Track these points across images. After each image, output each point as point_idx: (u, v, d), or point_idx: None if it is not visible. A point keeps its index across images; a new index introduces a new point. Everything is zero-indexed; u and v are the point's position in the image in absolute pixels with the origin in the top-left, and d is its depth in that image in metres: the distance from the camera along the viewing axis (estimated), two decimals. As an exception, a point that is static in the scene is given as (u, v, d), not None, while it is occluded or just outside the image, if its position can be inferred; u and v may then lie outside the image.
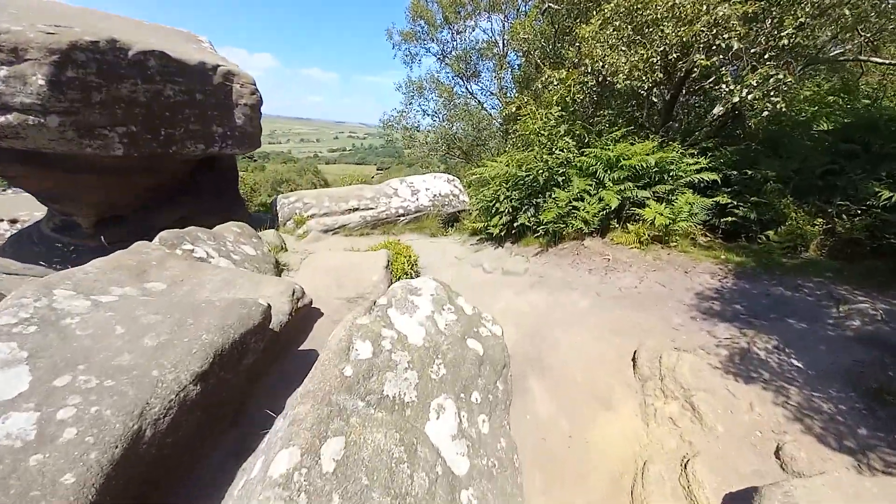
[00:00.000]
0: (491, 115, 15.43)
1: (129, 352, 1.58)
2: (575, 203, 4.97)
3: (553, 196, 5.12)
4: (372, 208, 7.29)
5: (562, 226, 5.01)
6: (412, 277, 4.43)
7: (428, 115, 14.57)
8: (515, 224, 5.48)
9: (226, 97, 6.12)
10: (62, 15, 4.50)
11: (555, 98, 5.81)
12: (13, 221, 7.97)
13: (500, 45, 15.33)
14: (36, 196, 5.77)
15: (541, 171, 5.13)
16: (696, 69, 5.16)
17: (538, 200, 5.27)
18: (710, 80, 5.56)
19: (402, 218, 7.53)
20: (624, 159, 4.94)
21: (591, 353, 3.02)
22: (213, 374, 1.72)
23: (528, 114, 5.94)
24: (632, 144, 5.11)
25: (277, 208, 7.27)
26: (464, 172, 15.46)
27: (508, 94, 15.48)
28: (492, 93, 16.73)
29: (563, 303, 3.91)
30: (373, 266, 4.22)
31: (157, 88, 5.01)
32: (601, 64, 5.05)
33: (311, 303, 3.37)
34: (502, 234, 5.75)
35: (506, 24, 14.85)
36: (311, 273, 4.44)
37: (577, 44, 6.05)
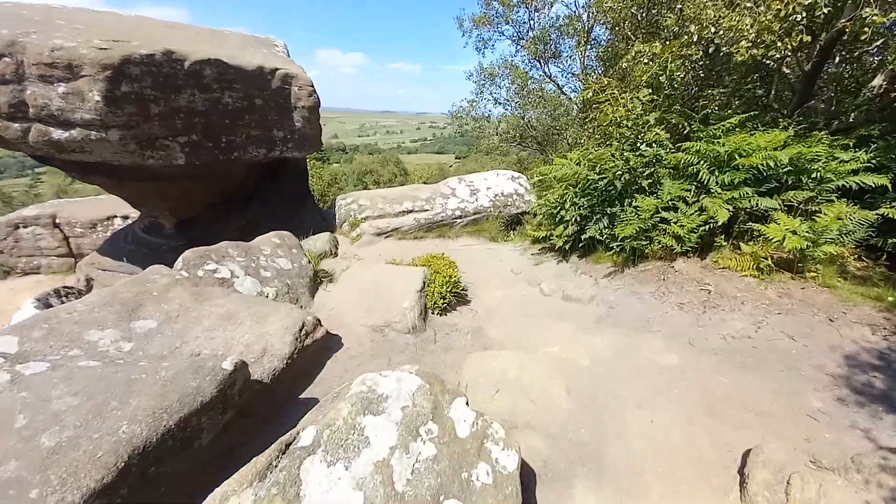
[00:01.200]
0: (571, 99, 13.90)
1: (18, 457, 1.25)
2: (664, 214, 3.85)
3: (635, 204, 4.05)
4: (427, 210, 6.79)
5: (644, 242, 3.94)
6: (450, 303, 3.82)
7: (500, 103, 13.60)
8: (583, 237, 4.52)
9: (284, 100, 6.03)
10: (122, 29, 4.65)
11: (644, 78, 4.63)
12: (125, 217, 9.10)
13: (585, 18, 13.63)
14: (124, 200, 6.32)
15: (619, 174, 4.08)
16: (859, 29, 3.61)
17: (614, 209, 4.23)
18: (877, 42, 3.91)
19: (458, 220, 6.91)
20: (741, 156, 3.67)
21: (676, 446, 2.12)
22: (127, 481, 1.32)
23: (609, 99, 4.83)
24: (752, 134, 3.79)
25: (336, 209, 7.16)
26: (535, 165, 14.27)
27: (593, 75, 13.78)
28: (573, 74, 15.10)
29: (638, 353, 2.97)
30: (406, 287, 3.70)
31: (215, 97, 5.01)
32: (713, 29, 3.78)
33: (326, 334, 2.95)
34: (567, 246, 4.82)
35: (593, -5, 13.10)
36: (344, 290, 4.08)
37: (679, 7, 4.74)
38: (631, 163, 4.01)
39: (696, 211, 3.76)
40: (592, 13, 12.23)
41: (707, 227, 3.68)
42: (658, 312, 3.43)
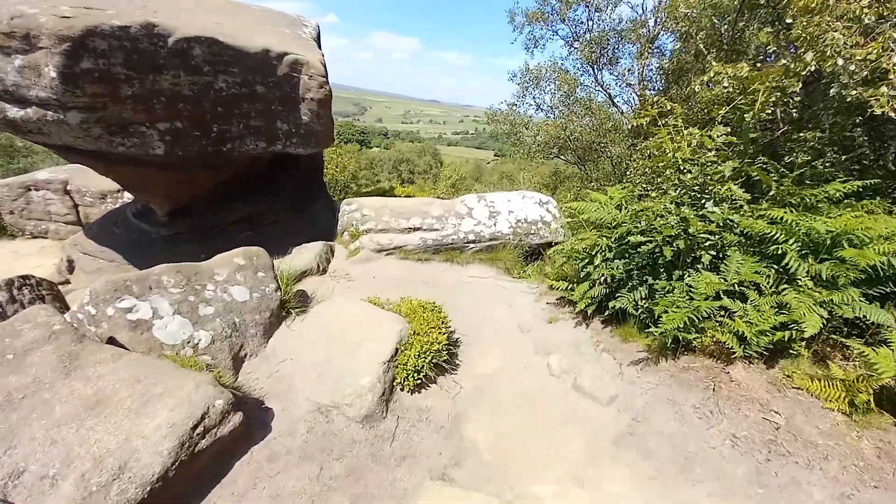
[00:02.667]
0: (622, 113, 12.58)
1: None
2: (726, 301, 2.87)
3: (688, 280, 3.07)
4: (437, 229, 5.98)
5: (692, 333, 2.98)
6: (427, 376, 2.97)
7: (542, 109, 12.48)
8: (611, 304, 3.57)
9: (292, 90, 5.35)
10: None
11: (720, 112, 3.59)
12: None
13: (651, 24, 12.23)
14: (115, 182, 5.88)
15: (672, 237, 3.10)
16: None
17: (657, 281, 3.26)
18: None
19: (472, 245, 6.07)
20: (851, 244, 2.64)
21: None
22: None
23: (669, 131, 3.82)
24: (870, 214, 2.74)
25: (339, 214, 6.48)
26: (573, 180, 13.05)
27: (652, 89, 12.42)
28: (629, 84, 13.73)
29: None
30: (372, 353, 2.93)
31: (205, 80, 4.38)
32: (839, 62, 2.72)
33: (242, 422, 2.23)
34: (589, 310, 3.90)
35: (664, -2, 11.69)
36: (309, 333, 3.36)
37: (782, 21, 3.64)
38: (690, 226, 3.02)
39: (772, 306, 2.76)
40: (661, 19, 10.87)
41: (786, 334, 2.67)
42: (703, 445, 2.49)
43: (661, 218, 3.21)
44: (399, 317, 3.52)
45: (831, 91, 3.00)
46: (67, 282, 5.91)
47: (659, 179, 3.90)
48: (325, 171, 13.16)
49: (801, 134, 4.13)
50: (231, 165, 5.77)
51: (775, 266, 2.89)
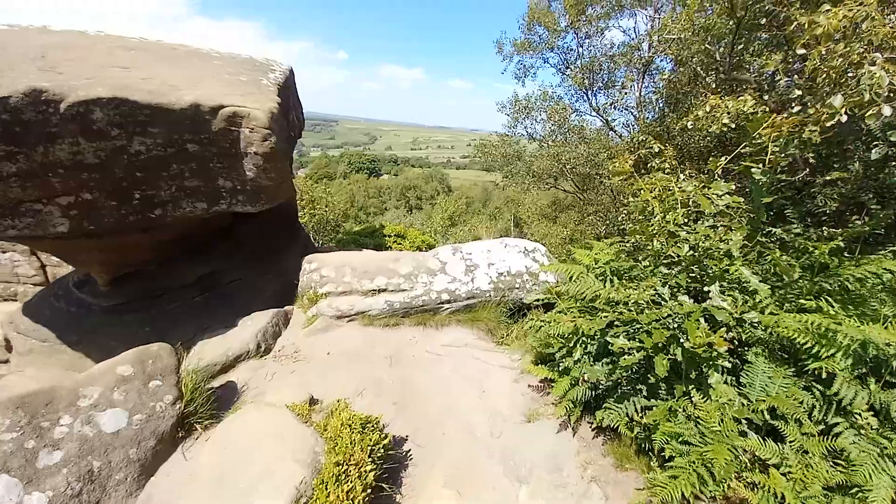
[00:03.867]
0: (621, 137, 11.85)
1: None
2: (753, 442, 1.98)
3: (696, 400, 2.20)
4: (405, 290, 5.20)
5: (709, 485, 2.07)
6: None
7: (535, 139, 11.84)
8: (598, 417, 2.69)
9: (231, 145, 4.77)
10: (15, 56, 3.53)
11: (719, 164, 2.79)
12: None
13: (645, 47, 11.64)
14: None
15: (666, 344, 2.24)
16: None
17: (652, 400, 2.39)
18: None
19: (447, 306, 5.26)
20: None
21: None
22: None
23: (655, 185, 3.02)
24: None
25: (301, 274, 5.78)
26: (572, 209, 12.23)
27: (651, 111, 11.70)
28: (626, 108, 13.07)
29: None
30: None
31: (116, 145, 3.80)
32: (884, 105, 1.91)
33: None
34: (572, 415, 3.02)
35: (656, 21, 11.16)
36: (196, 473, 2.56)
37: (792, 47, 2.88)
38: (689, 337, 2.16)
39: (823, 454, 1.86)
40: (654, 43, 10.27)
41: (846, 501, 1.76)
42: None
43: (651, 311, 2.37)
44: (319, 439, 2.71)
45: (873, 153, 2.19)
46: (7, 361, 5.29)
47: (648, 248, 3.07)
48: (314, 209, 12.67)
49: (828, 176, 3.27)
50: (173, 227, 5.15)
51: (819, 387, 2.00)
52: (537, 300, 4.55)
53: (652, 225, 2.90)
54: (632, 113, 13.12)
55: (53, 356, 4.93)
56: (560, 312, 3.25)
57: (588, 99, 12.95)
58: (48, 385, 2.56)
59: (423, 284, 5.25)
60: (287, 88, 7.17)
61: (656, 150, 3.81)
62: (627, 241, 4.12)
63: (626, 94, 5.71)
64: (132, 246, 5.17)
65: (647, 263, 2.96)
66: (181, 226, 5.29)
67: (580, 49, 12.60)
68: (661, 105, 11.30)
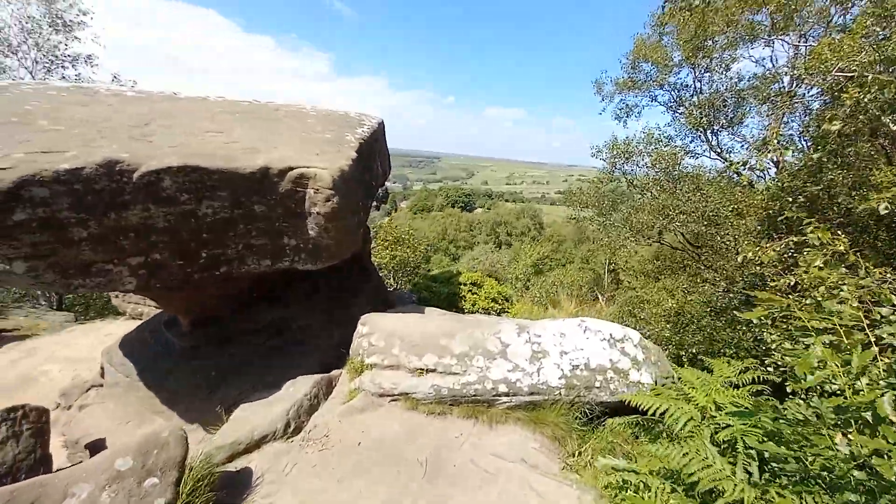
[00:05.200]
0: (751, 185, 9.64)
1: None
2: None
3: None
4: (456, 374, 4.42)
5: None
6: None
7: (635, 186, 10.28)
8: None
9: (296, 205, 4.71)
10: (102, 127, 3.89)
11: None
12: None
13: (785, 80, 9.50)
14: (144, 294, 5.84)
15: None
16: None
17: None
18: None
19: (503, 399, 4.32)
20: None
21: None
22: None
23: (827, 317, 1.80)
24: None
25: (354, 335, 5.43)
26: (677, 284, 10.09)
27: (796, 151, 9.36)
28: (757, 149, 10.75)
29: None
30: None
31: (184, 210, 3.91)
32: None
33: None
34: None
35: (804, 47, 9.05)
36: None
37: None
38: None
39: None
40: (800, 74, 8.23)
41: None
42: None
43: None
44: None
45: None
46: (101, 386, 5.82)
47: (813, 405, 1.83)
48: (395, 250, 12.78)
49: None
50: (241, 280, 5.24)
51: None
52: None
53: (818, 356, 1.70)
54: (766, 155, 10.75)
55: (131, 393, 5.25)
56: (640, 491, 2.12)
57: (707, 139, 11.03)
58: (40, 479, 2.37)
59: (478, 370, 4.41)
60: (374, 141, 7.26)
61: (817, 241, 2.51)
62: (771, 366, 2.78)
63: (768, 153, 4.30)
64: (209, 294, 5.39)
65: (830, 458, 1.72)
66: (251, 277, 5.37)
67: (697, 84, 10.90)
68: (806, 142, 8.97)
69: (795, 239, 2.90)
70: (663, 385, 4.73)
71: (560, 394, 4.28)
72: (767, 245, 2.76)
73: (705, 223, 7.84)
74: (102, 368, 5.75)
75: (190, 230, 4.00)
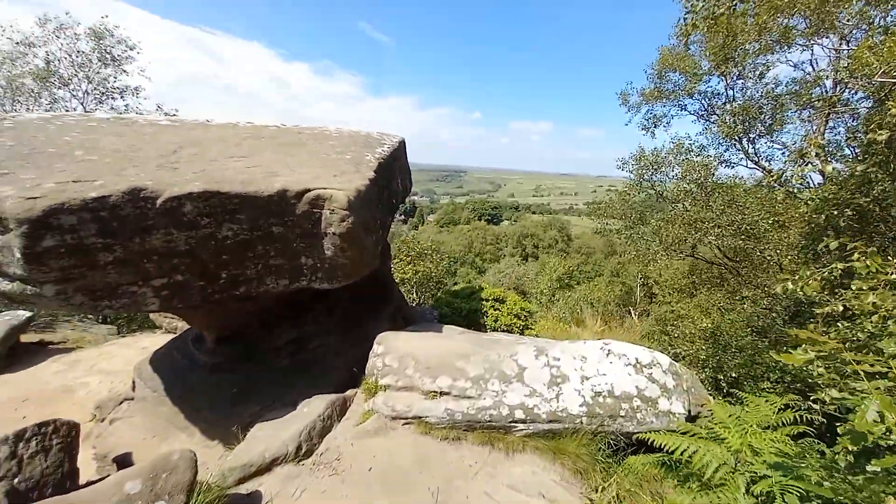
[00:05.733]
0: (794, 195, 8.98)
1: None
2: None
3: None
4: (471, 397, 4.25)
5: None
6: None
7: (665, 199, 9.81)
8: None
9: (313, 225, 4.77)
10: (125, 157, 4.10)
11: None
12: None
13: (827, 84, 8.87)
14: (172, 312, 6.05)
15: None
16: None
17: None
18: None
19: (520, 427, 4.10)
20: None
21: None
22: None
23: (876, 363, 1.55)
24: None
25: (370, 354, 5.38)
26: (713, 301, 9.44)
27: (838, 160, 8.69)
28: (801, 156, 10.04)
29: None
30: None
31: (205, 232, 4.03)
32: None
33: None
34: None
35: (846, 49, 8.45)
36: None
37: None
38: None
39: None
40: (843, 78, 7.64)
41: None
42: None
43: None
44: None
45: None
46: (132, 399, 6.04)
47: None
48: (417, 265, 12.76)
49: None
50: (261, 299, 5.33)
51: None
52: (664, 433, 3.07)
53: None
54: (809, 162, 10.02)
55: (158, 407, 5.40)
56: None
57: (743, 147, 10.44)
58: (53, 500, 2.42)
59: (494, 394, 4.22)
60: (394, 160, 7.33)
61: (864, 270, 2.21)
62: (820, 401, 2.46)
63: (806, 165, 3.94)
64: (233, 311, 5.52)
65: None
66: (274, 294, 5.46)
67: (730, 92, 10.39)
68: (854, 149, 8.27)
69: (841, 266, 2.58)
70: (697, 414, 4.35)
71: (581, 422, 4.01)
72: (809, 273, 2.47)
73: (743, 237, 7.31)
74: (134, 382, 5.97)
75: (210, 252, 4.11)
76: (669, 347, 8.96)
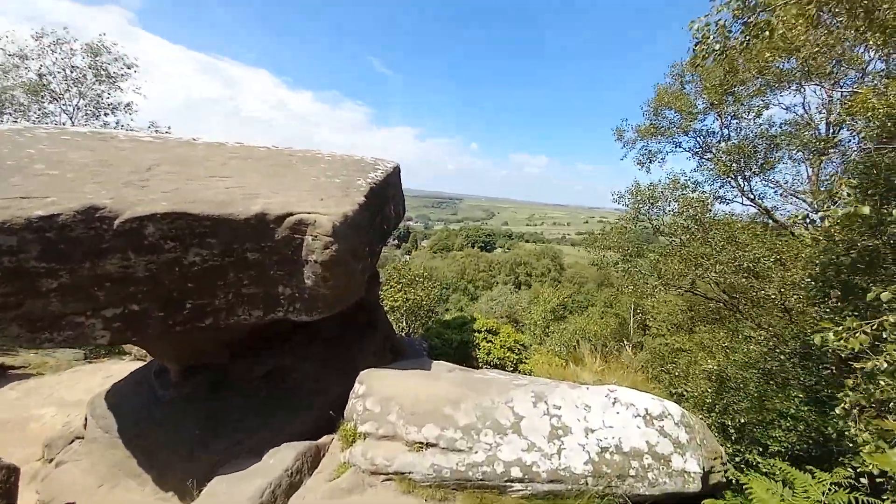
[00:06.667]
0: (795, 236, 8.78)
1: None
2: None
3: None
4: (460, 450, 3.72)
5: None
6: None
7: (661, 233, 9.61)
8: None
9: (294, 252, 4.36)
10: (94, 171, 3.73)
11: None
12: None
13: (822, 126, 8.91)
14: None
15: None
16: None
17: None
18: None
19: (516, 486, 3.56)
20: None
21: None
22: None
23: None
24: None
25: (351, 394, 4.85)
26: (716, 340, 9.05)
27: (835, 201, 8.56)
28: (794, 193, 10.01)
29: None
30: None
31: (169, 258, 3.60)
32: None
33: None
34: None
35: (836, 94, 8.54)
36: None
37: None
38: None
39: None
40: (837, 120, 7.65)
41: None
42: None
43: None
44: None
45: None
46: (82, 438, 5.39)
47: None
48: (407, 293, 12.27)
49: None
50: (231, 329, 4.83)
51: None
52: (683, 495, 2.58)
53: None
54: (802, 198, 9.96)
55: (109, 451, 4.77)
56: None
57: (738, 185, 10.38)
58: None
59: (487, 447, 3.71)
60: (387, 185, 7.02)
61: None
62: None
63: (841, 207, 3.65)
64: (200, 340, 5.00)
65: None
66: (247, 325, 4.97)
67: (724, 130, 10.43)
68: (857, 192, 8.16)
69: (893, 319, 2.24)
70: (710, 469, 3.87)
71: (587, 483, 3.50)
72: (855, 325, 2.13)
73: (745, 274, 7.02)
74: (86, 419, 5.33)
75: (174, 279, 3.67)
76: (670, 387, 8.46)
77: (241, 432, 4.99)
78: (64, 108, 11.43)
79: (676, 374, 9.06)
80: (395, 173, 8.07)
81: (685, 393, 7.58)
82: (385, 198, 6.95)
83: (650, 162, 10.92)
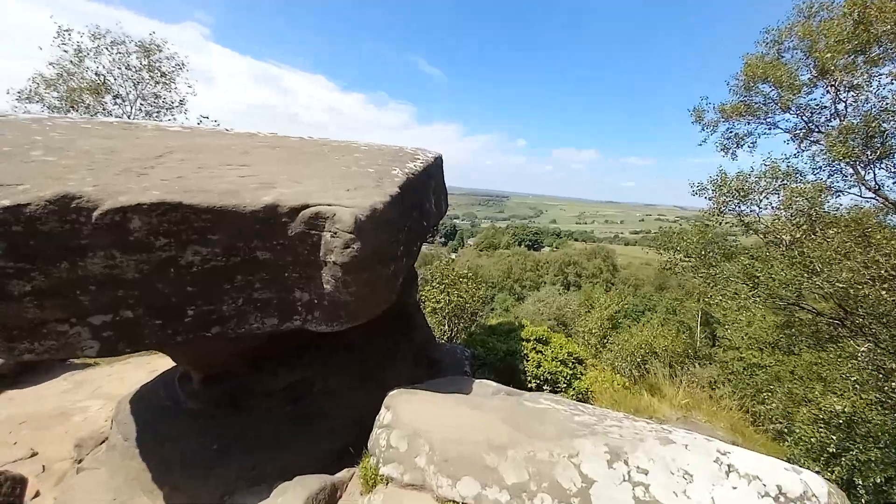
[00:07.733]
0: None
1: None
2: None
3: None
4: (507, 520, 2.80)
5: None
6: None
7: (754, 231, 7.87)
8: None
9: (310, 251, 3.67)
10: (98, 159, 3.27)
11: None
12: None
13: None
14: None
15: None
16: None
17: None
18: None
19: (585, 582, 2.56)
20: None
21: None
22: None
23: None
24: None
25: (376, 419, 4.10)
26: (831, 369, 7.17)
27: None
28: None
29: None
30: None
31: (162, 257, 3.04)
32: None
33: None
34: None
35: None
36: None
37: None
38: None
39: None
40: None
41: None
42: None
43: None
44: None
45: None
46: (104, 442, 5.19)
47: None
48: (450, 294, 11.47)
49: None
50: (244, 339, 4.28)
51: None
52: None
53: None
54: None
55: (125, 460, 4.44)
56: None
57: (857, 172, 8.33)
58: None
59: (543, 518, 2.74)
60: (428, 177, 6.22)
61: None
62: None
63: None
64: (215, 351, 4.52)
65: None
66: (262, 335, 4.40)
67: (839, 105, 8.40)
68: None
69: None
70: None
71: (686, 591, 2.42)
72: None
73: (884, 285, 5.32)
74: (112, 422, 5.10)
75: (170, 282, 3.11)
76: (769, 423, 6.85)
77: (255, 455, 4.45)
78: (126, 110, 12.05)
79: (771, 403, 7.38)
80: (437, 164, 7.24)
81: (786, 433, 6.02)
82: (425, 191, 6.14)
83: (737, 147, 9.11)
